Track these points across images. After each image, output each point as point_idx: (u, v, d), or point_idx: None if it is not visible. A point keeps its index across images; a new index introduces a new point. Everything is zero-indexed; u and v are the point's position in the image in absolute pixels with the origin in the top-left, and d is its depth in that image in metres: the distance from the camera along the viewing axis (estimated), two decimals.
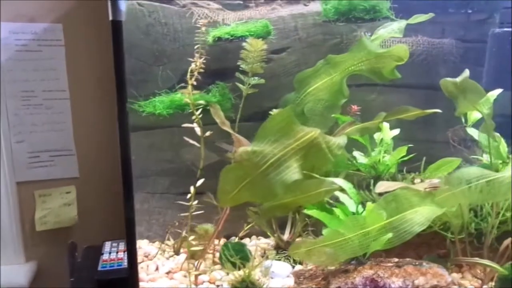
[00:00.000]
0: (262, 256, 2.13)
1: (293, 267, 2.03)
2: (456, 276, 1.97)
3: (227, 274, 1.97)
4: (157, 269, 2.08)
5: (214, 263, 2.10)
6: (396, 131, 2.15)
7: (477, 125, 2.07)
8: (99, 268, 1.99)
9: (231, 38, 2.18)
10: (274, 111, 1.98)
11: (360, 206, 1.84)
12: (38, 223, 2.33)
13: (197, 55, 1.95)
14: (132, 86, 2.20)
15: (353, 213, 1.82)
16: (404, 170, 2.18)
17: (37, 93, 2.26)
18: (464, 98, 1.81)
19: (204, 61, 1.95)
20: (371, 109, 2.12)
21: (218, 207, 2.02)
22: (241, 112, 2.15)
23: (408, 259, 1.84)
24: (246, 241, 2.30)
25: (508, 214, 1.90)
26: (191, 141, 1.93)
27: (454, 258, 1.93)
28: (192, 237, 1.98)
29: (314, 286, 1.80)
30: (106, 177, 2.32)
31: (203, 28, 1.97)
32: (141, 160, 2.28)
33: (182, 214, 1.97)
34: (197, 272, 1.97)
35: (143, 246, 2.26)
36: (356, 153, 2.16)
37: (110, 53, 1.52)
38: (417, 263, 1.79)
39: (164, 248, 2.22)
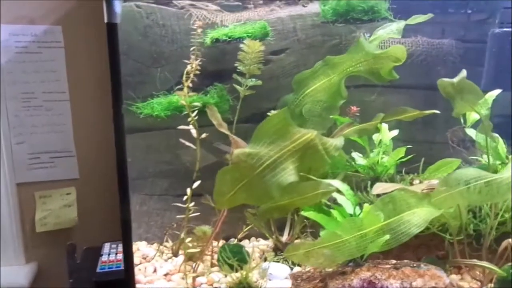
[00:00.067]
0: (261, 258, 2.12)
1: (292, 269, 2.03)
2: (455, 277, 1.97)
3: (225, 276, 1.97)
4: (155, 271, 2.08)
5: (213, 265, 2.10)
6: (395, 132, 2.14)
7: (476, 125, 2.05)
8: (98, 270, 1.99)
9: (229, 39, 2.18)
10: (272, 112, 1.97)
11: (358, 207, 1.84)
12: (38, 224, 2.34)
13: (193, 57, 1.95)
14: (130, 88, 2.21)
15: (351, 215, 1.81)
16: (403, 171, 2.18)
17: (37, 94, 2.26)
18: (461, 99, 1.80)
19: (200, 63, 1.95)
20: (371, 110, 2.12)
21: (216, 209, 2.02)
22: (239, 114, 2.14)
23: (406, 261, 1.84)
24: (245, 242, 2.30)
25: (507, 215, 1.89)
26: (187, 143, 1.92)
27: (453, 260, 1.92)
28: (189, 239, 1.98)
29: None
30: (106, 178, 2.32)
31: (199, 30, 1.97)
32: (139, 162, 2.29)
33: (179, 216, 1.97)
34: (194, 274, 1.97)
35: (141, 248, 2.26)
36: (354, 154, 2.15)
37: None
38: (415, 265, 1.78)
39: (163, 250, 2.21)
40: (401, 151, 2.08)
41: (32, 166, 2.31)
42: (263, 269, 1.95)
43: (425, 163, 2.16)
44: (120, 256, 2.03)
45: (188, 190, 1.92)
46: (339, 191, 1.82)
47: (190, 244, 1.99)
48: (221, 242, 2.23)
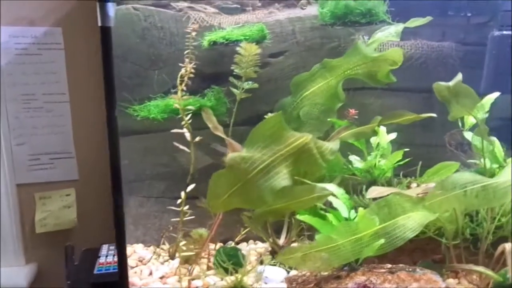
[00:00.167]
0: (258, 261, 2.12)
1: (288, 272, 2.02)
2: (452, 281, 1.96)
3: (222, 279, 1.97)
4: (151, 273, 2.08)
5: (209, 268, 2.09)
6: (393, 135, 2.13)
7: (474, 129, 2.05)
8: (95, 271, 2.00)
9: (227, 42, 2.17)
10: (269, 115, 1.97)
11: (354, 211, 1.83)
12: (38, 225, 2.35)
13: (187, 60, 1.95)
14: (128, 90, 2.21)
15: (346, 219, 1.81)
16: (401, 175, 2.17)
17: (37, 96, 2.28)
18: (457, 103, 1.80)
19: (195, 66, 1.95)
20: (370, 113, 2.11)
21: (211, 212, 2.02)
22: (237, 116, 2.14)
23: (401, 265, 1.83)
24: (243, 245, 2.29)
25: (503, 219, 1.88)
26: (181, 147, 1.92)
27: (449, 264, 1.91)
28: (183, 242, 1.98)
29: None
30: (105, 179, 2.30)
31: (193, 33, 1.96)
32: (137, 164, 2.29)
33: (173, 219, 1.98)
34: (190, 277, 1.97)
35: (138, 250, 2.27)
36: (352, 158, 2.15)
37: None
38: (410, 269, 1.77)
39: (160, 252, 2.21)
40: (399, 155, 2.07)
41: (32, 167, 2.32)
42: (258, 273, 1.95)
43: (425, 166, 2.15)
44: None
45: (183, 194, 1.91)
46: (334, 195, 1.81)
47: (184, 248, 1.99)
48: (219, 245, 2.23)
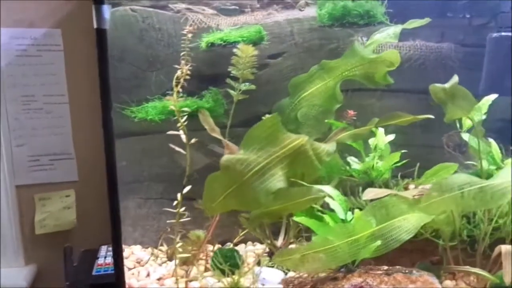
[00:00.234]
0: (258, 263, 2.12)
1: (286, 273, 2.02)
2: (450, 283, 1.95)
3: (219, 281, 1.97)
4: (148, 275, 2.08)
5: (207, 269, 2.09)
6: (391, 137, 2.12)
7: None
8: (93, 273, 2.01)
9: (224, 43, 2.18)
10: (266, 116, 1.97)
11: (351, 213, 1.83)
12: (37, 226, 2.36)
13: (183, 61, 1.95)
14: (126, 92, 2.22)
15: (342, 220, 1.80)
16: (399, 176, 2.16)
17: (37, 97, 2.29)
18: (453, 104, 1.79)
19: (191, 67, 1.95)
20: (369, 114, 2.10)
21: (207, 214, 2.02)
22: (236, 117, 2.13)
23: (397, 267, 1.82)
24: (241, 247, 2.29)
25: (501, 221, 1.87)
26: (177, 148, 1.92)
27: (446, 266, 1.91)
28: (179, 244, 1.98)
29: None
30: (105, 180, 2.33)
31: (189, 35, 1.96)
32: (135, 166, 2.30)
33: (169, 221, 1.98)
34: (187, 279, 1.97)
35: (136, 252, 2.27)
36: (350, 159, 2.14)
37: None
38: (406, 271, 1.77)
39: (158, 254, 2.21)
40: (396, 156, 2.06)
41: (32, 168, 2.33)
42: (255, 274, 1.95)
43: (424, 167, 2.14)
44: None
45: (179, 195, 1.91)
46: (330, 197, 1.81)
47: (180, 249, 1.99)
48: (217, 246, 2.23)
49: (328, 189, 1.80)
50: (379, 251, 1.69)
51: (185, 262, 2.06)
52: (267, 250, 2.20)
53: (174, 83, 1.93)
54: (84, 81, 2.30)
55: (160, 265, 2.16)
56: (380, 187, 2.04)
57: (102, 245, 2.21)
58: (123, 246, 2.16)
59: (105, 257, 2.11)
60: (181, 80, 1.92)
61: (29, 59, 2.25)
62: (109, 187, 1.59)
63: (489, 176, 1.86)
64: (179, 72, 1.93)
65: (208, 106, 2.18)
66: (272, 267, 2.05)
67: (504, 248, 1.74)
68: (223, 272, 1.93)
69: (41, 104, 2.29)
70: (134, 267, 2.15)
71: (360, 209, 1.78)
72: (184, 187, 1.91)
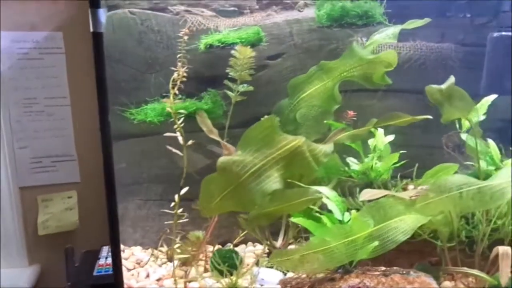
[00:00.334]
0: (256, 264, 2.12)
1: (285, 274, 2.02)
2: (448, 284, 1.94)
3: (217, 281, 1.98)
4: (147, 276, 2.09)
5: (206, 270, 2.10)
6: (390, 137, 2.12)
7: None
8: (95, 273, 2.02)
9: (223, 45, 2.18)
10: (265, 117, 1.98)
11: (349, 214, 1.83)
12: (40, 227, 2.38)
13: (179, 64, 1.95)
14: (125, 94, 2.23)
15: (340, 221, 1.81)
16: (399, 176, 2.16)
17: (39, 100, 2.31)
18: (450, 105, 1.79)
19: (188, 69, 1.95)
20: (369, 115, 2.10)
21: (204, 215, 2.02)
22: (235, 119, 2.13)
23: (395, 267, 1.82)
24: (241, 248, 2.29)
25: (499, 222, 1.86)
26: (174, 150, 1.93)
27: (444, 267, 1.91)
28: (178, 245, 1.99)
29: None
30: None
31: (185, 37, 1.97)
32: (134, 167, 2.31)
33: (167, 222, 1.98)
34: (186, 279, 1.98)
35: (136, 253, 2.28)
36: (349, 160, 2.14)
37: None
38: (404, 272, 1.76)
39: (158, 255, 2.22)
40: (395, 157, 2.06)
41: (34, 170, 2.35)
42: (254, 275, 1.96)
43: (425, 168, 2.13)
44: None
45: (176, 197, 1.92)
46: (327, 197, 1.81)
47: (178, 250, 2.00)
48: (217, 247, 2.24)
49: (325, 190, 1.80)
50: (376, 252, 1.68)
51: (184, 263, 2.07)
52: (266, 250, 2.21)
53: (170, 85, 1.94)
54: (86, 84, 2.30)
55: (160, 266, 2.17)
56: (379, 187, 2.04)
57: (103, 246, 2.22)
58: (123, 247, 2.19)
59: (106, 258, 2.12)
60: (178, 82, 1.92)
61: (31, 62, 2.26)
62: (107, 189, 1.61)
63: (487, 176, 1.86)
64: (175, 75, 1.93)
65: (207, 107, 2.19)
66: (271, 267, 2.05)
67: (502, 249, 1.74)
68: (221, 272, 1.93)
69: (43, 107, 2.31)
70: (134, 268, 2.16)
71: (358, 210, 1.78)
72: (181, 188, 1.91)
